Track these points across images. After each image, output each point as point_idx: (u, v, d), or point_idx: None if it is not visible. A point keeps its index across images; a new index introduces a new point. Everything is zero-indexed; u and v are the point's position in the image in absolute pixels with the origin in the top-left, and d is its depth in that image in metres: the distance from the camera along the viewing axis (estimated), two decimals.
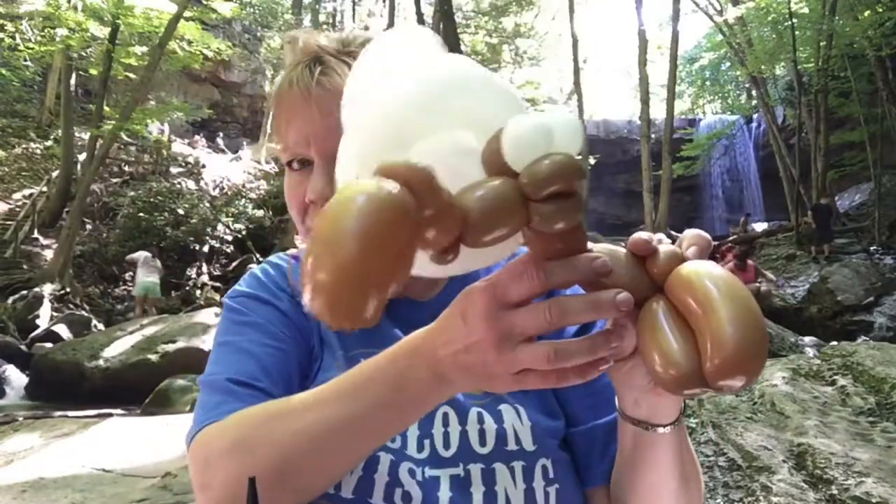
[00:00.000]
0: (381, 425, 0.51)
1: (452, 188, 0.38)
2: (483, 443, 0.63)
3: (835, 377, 3.13)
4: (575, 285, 0.44)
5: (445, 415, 0.64)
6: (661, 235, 0.46)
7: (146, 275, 11.44)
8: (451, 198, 0.37)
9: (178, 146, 21.01)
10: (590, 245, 0.43)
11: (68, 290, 12.68)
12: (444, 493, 0.60)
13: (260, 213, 17.26)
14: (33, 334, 10.35)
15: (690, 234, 0.46)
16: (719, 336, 0.38)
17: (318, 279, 0.30)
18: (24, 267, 13.31)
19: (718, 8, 21.01)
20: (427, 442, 0.62)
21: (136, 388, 6.98)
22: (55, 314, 11.41)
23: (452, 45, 13.30)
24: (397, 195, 0.32)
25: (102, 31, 14.76)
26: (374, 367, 0.51)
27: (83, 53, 16.14)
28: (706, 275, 0.41)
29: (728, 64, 25.77)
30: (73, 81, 16.41)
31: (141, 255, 11.78)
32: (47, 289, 11.95)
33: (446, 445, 0.63)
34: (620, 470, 0.64)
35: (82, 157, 15.55)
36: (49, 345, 9.57)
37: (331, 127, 0.63)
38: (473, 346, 0.43)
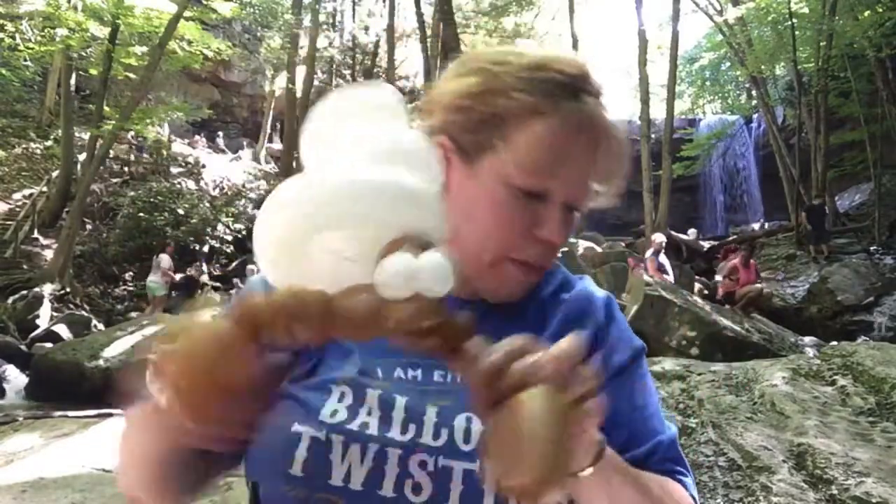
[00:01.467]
0: None
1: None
2: None
3: (835, 377, 3.13)
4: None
5: (468, 418, 0.62)
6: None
7: (151, 275, 12.18)
8: (313, 300, 0.42)
9: (178, 146, 21.01)
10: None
11: (68, 290, 12.69)
12: (457, 483, 0.58)
13: None
14: (33, 334, 10.36)
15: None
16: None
17: (176, 385, 0.40)
18: (24, 267, 13.31)
19: (718, 8, 21.01)
20: (445, 431, 0.60)
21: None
22: (55, 314, 11.42)
23: (453, 45, 13.30)
24: (224, 334, 0.41)
25: (102, 31, 14.75)
26: None
27: (83, 53, 16.12)
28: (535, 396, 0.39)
29: (728, 64, 25.75)
30: (73, 81, 16.39)
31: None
32: (47, 289, 11.96)
33: (466, 440, 0.60)
34: None
35: (82, 157, 15.56)
36: (49, 345, 9.57)
37: (588, 184, 0.66)
38: None
